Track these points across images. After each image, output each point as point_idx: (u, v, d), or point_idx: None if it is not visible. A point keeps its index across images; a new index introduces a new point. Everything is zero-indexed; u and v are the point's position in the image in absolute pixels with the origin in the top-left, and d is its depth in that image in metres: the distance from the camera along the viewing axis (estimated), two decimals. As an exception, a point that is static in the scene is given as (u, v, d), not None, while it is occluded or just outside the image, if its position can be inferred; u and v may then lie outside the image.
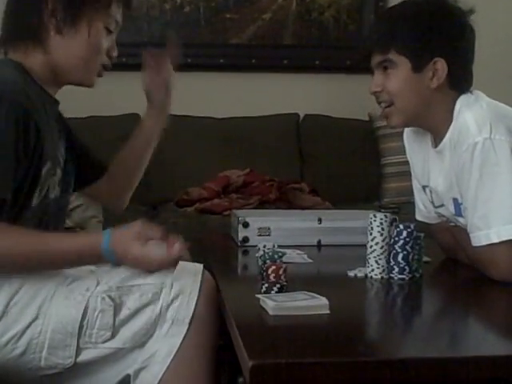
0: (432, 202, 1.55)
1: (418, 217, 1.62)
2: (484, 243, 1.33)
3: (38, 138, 1.24)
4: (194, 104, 3.06)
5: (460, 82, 1.43)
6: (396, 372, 0.91)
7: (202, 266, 1.26)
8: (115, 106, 2.87)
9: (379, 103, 1.47)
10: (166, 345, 1.20)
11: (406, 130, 1.59)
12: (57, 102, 1.39)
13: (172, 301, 1.21)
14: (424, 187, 1.57)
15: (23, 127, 1.20)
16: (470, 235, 1.37)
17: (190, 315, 1.20)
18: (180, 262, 1.26)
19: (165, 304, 1.20)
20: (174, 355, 1.19)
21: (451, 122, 1.41)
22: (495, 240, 1.32)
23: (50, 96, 1.36)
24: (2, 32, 1.36)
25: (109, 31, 1.36)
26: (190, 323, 1.20)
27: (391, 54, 1.40)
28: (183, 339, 1.20)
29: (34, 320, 1.19)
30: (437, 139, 1.47)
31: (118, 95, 2.81)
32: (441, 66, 1.39)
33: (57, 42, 1.31)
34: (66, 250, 1.19)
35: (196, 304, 1.20)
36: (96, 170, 1.57)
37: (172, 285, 1.21)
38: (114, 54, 1.39)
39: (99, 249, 1.19)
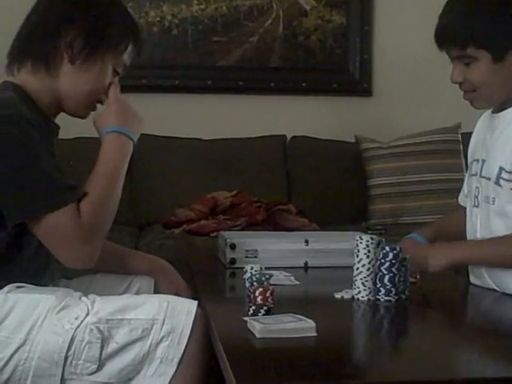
0: (475, 174, 1.54)
1: (460, 201, 1.68)
2: None
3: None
4: (181, 125, 3.07)
5: None
6: (383, 394, 0.92)
7: (196, 303, 1.25)
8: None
9: (464, 91, 1.46)
10: None
11: (487, 112, 1.59)
12: (57, 128, 1.41)
13: (162, 339, 1.20)
14: (473, 161, 1.57)
15: (39, 141, 1.24)
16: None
17: (180, 355, 1.19)
18: (175, 298, 1.26)
19: (154, 341, 1.20)
20: None
21: None
22: None
23: (50, 120, 1.37)
24: (13, 47, 1.37)
25: (116, 73, 1.39)
26: (179, 363, 1.19)
27: (470, 50, 1.40)
28: (171, 379, 1.19)
29: (21, 346, 1.19)
30: (502, 105, 1.47)
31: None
32: None
33: (66, 71, 1.33)
34: (107, 163, 1.31)
35: (187, 344, 1.20)
36: None
37: (164, 322, 1.20)
38: None
39: (107, 136, 1.33)
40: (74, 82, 1.34)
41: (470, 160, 1.64)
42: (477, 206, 1.53)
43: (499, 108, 1.50)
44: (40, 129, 1.25)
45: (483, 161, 1.52)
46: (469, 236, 1.56)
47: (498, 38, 1.39)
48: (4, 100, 1.27)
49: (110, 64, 1.36)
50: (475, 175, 1.55)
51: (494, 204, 1.46)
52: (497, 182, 1.44)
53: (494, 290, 1.48)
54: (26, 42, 1.35)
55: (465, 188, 1.68)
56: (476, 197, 1.53)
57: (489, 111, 1.57)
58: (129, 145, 1.35)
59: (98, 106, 1.41)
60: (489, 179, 1.47)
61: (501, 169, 1.44)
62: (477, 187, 1.53)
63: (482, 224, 1.50)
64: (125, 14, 1.41)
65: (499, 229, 1.44)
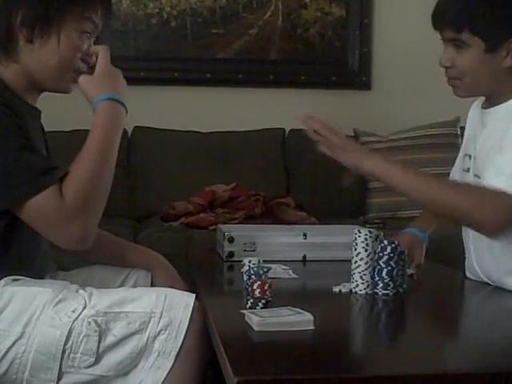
0: (467, 170, 1.53)
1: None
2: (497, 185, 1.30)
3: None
4: (180, 118, 3.07)
5: None
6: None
7: (193, 296, 1.24)
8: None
9: (448, 77, 1.45)
10: (150, 377, 1.19)
11: (476, 103, 1.57)
12: (38, 111, 1.38)
13: (159, 332, 1.19)
14: (465, 155, 1.55)
15: (14, 125, 1.21)
16: (485, 173, 1.36)
17: (178, 348, 1.19)
18: (173, 291, 1.26)
19: (152, 334, 1.19)
20: None
21: None
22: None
23: (30, 106, 1.34)
24: None
25: (86, 34, 1.32)
26: (176, 356, 1.19)
27: (465, 35, 1.38)
28: (169, 372, 1.19)
29: (18, 339, 1.18)
30: (490, 102, 1.46)
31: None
32: None
33: (27, 52, 1.29)
34: (100, 135, 1.26)
35: (184, 337, 1.19)
36: None
37: (161, 315, 1.20)
38: (91, 60, 1.34)
39: (99, 106, 1.28)
40: (39, 59, 1.30)
41: (462, 152, 1.62)
42: None
43: (489, 103, 1.48)
44: (13, 115, 1.22)
45: (474, 158, 1.50)
46: (464, 232, 1.56)
47: (495, 27, 1.37)
48: None
49: (73, 29, 1.30)
50: (467, 171, 1.53)
51: None
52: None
53: (489, 284, 1.48)
54: None
55: (455, 173, 1.66)
56: None
57: (478, 102, 1.55)
58: (123, 114, 1.30)
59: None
60: (479, 177, 1.45)
61: None
62: None
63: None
64: None
65: None
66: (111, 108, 1.28)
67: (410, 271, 1.44)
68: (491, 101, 1.46)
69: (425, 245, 1.63)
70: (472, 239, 1.51)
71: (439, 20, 1.42)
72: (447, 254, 1.81)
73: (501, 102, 1.44)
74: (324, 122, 1.45)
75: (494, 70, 1.40)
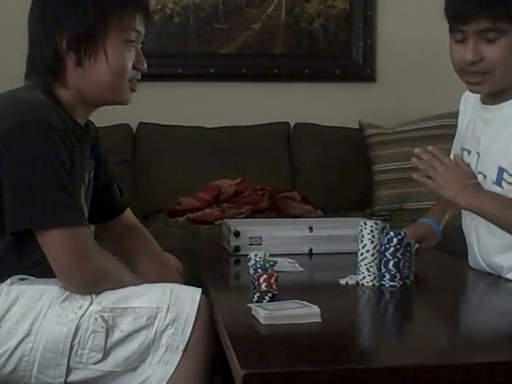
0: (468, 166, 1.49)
1: None
2: None
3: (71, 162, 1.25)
4: (184, 114, 3.07)
5: None
6: (389, 379, 0.92)
7: (200, 290, 1.25)
8: (105, 117, 2.87)
9: (473, 72, 1.38)
10: (159, 371, 1.19)
11: (466, 95, 1.55)
12: (86, 128, 1.39)
13: (167, 327, 1.20)
14: (463, 150, 1.53)
15: (65, 152, 1.22)
16: None
17: (185, 342, 1.19)
18: (178, 286, 1.26)
19: (159, 329, 1.19)
20: (167, 382, 1.19)
21: None
22: None
23: (78, 126, 1.34)
24: (26, 64, 1.35)
25: (131, 43, 1.32)
26: (184, 350, 1.19)
27: (502, 23, 1.32)
28: (177, 366, 1.19)
29: (25, 336, 1.19)
30: (493, 98, 1.43)
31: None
32: None
33: (78, 75, 1.29)
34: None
35: (191, 331, 1.19)
36: (108, 210, 1.52)
37: (168, 309, 1.20)
38: (142, 67, 1.35)
39: None
40: (91, 79, 1.30)
41: (458, 144, 1.60)
42: None
43: (489, 99, 1.45)
44: (67, 137, 1.23)
45: (478, 154, 1.48)
46: (464, 224, 1.55)
47: None
48: (35, 102, 1.23)
49: (117, 41, 1.30)
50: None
51: None
52: (497, 183, 1.41)
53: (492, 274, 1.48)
54: (31, 58, 1.33)
55: None
56: None
57: (471, 95, 1.52)
58: None
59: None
60: (485, 176, 1.44)
61: (501, 169, 1.40)
62: None
63: (475, 217, 1.46)
64: None
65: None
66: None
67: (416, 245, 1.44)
68: (495, 97, 1.43)
69: (437, 240, 1.62)
70: (475, 230, 1.49)
71: (473, 10, 1.33)
72: (452, 244, 1.80)
73: (504, 100, 1.42)
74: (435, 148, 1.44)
75: None
